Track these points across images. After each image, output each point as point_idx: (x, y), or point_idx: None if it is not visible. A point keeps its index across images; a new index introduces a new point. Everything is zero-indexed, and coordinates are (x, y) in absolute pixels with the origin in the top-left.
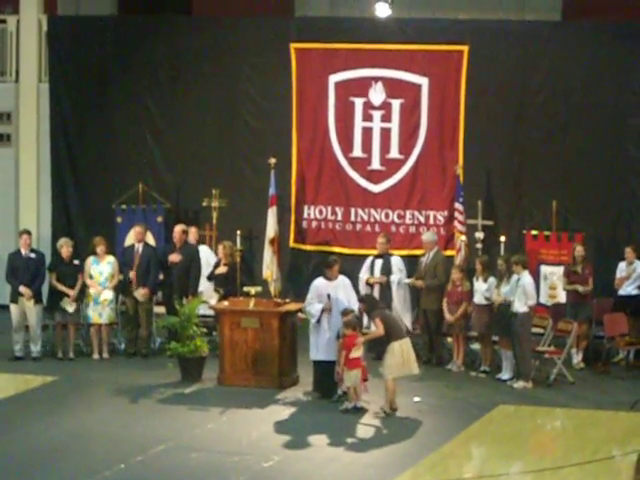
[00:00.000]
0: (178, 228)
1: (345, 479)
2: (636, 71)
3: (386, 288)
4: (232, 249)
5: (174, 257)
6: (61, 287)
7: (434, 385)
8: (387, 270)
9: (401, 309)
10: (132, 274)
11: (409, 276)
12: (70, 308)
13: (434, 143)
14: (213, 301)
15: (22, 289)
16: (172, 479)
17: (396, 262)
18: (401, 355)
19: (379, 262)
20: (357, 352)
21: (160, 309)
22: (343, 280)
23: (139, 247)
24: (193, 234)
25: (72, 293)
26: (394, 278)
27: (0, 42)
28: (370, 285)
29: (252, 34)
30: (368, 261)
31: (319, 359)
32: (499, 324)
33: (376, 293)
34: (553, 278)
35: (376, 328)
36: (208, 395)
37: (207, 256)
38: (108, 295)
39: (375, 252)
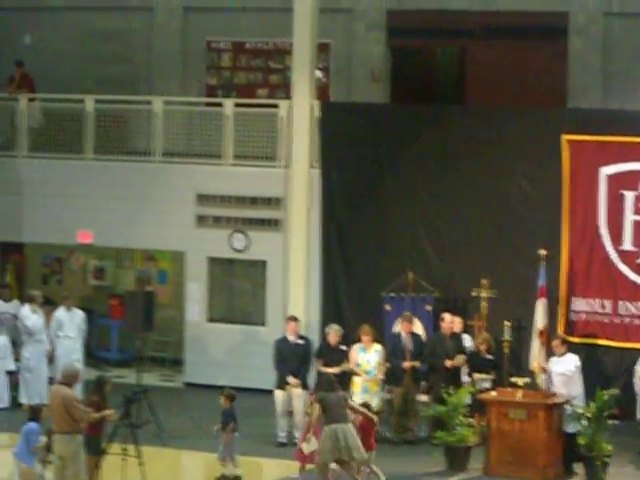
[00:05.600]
0: (449, 318)
1: None
2: None
3: None
4: (490, 339)
5: (407, 364)
6: (326, 369)
7: None
8: None
9: None
10: (407, 364)
11: None
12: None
13: None
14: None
15: (290, 380)
16: None
17: None
18: (330, 440)
19: None
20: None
21: (424, 397)
22: None
23: (406, 338)
24: (458, 324)
25: (336, 370)
26: None
27: (272, 127)
28: None
29: (524, 125)
30: None
31: None
32: None
33: None
34: None
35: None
36: None
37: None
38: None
39: None
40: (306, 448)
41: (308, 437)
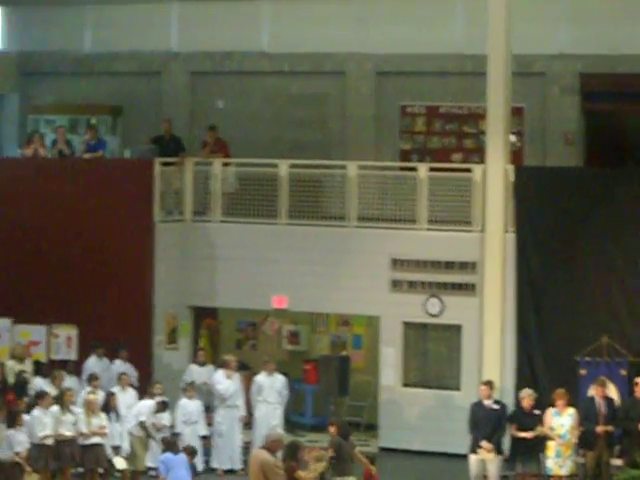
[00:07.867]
0: None
1: None
2: None
3: None
4: None
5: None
6: (522, 434)
7: None
8: None
9: None
10: (600, 428)
11: None
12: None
13: None
14: None
15: (483, 444)
16: None
17: None
18: None
19: None
20: None
21: (618, 461)
22: None
23: (600, 402)
24: None
25: (530, 434)
26: None
27: (466, 191)
28: None
29: None
30: None
31: None
32: None
33: None
34: None
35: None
36: None
37: None
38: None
39: None
40: (304, 476)
41: (313, 467)
